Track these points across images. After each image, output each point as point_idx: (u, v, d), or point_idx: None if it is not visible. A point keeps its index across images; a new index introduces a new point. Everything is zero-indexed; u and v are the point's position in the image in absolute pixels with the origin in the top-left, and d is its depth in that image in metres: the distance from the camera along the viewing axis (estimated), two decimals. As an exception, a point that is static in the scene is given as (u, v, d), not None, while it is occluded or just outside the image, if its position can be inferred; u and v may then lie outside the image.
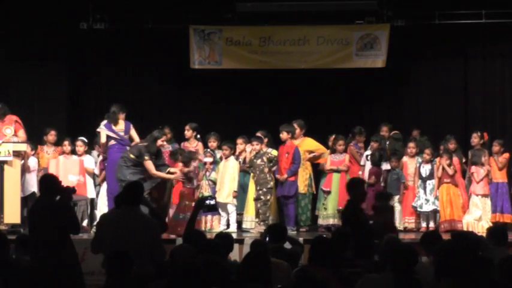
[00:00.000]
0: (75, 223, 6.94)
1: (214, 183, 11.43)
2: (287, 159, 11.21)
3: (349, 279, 5.86)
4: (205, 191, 11.35)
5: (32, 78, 13.71)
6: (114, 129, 11.17)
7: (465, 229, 10.90)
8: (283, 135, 11.32)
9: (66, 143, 11.43)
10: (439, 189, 11.36)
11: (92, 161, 11.57)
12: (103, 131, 11.19)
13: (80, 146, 11.45)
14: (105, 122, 11.24)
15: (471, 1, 12.86)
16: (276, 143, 11.77)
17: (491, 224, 10.86)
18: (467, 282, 5.35)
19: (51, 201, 6.88)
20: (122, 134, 11.19)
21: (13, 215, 10.43)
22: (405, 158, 11.72)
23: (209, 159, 11.50)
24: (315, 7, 12.98)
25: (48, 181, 7.04)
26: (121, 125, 11.24)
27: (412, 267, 5.40)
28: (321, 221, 11.62)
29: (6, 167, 10.50)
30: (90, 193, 11.40)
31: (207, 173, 11.49)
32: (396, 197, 11.47)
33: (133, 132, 11.33)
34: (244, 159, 11.54)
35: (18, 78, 13.66)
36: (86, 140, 11.60)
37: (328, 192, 11.56)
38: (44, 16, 13.20)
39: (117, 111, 11.24)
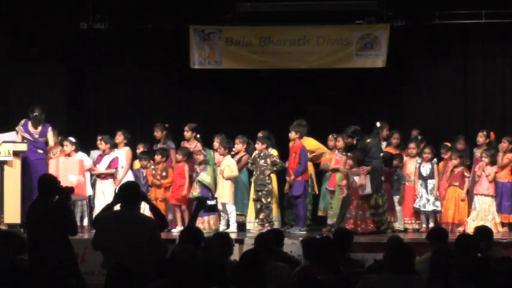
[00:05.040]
0: (73, 224, 6.92)
1: (203, 184, 11.40)
2: (294, 159, 11.24)
3: (349, 279, 5.86)
4: (195, 192, 11.33)
5: (32, 78, 13.69)
6: (29, 130, 11.14)
7: (467, 230, 10.90)
8: (292, 134, 11.34)
9: (66, 143, 11.45)
10: (447, 191, 11.33)
11: (88, 159, 11.57)
12: (20, 131, 11.16)
13: (66, 146, 11.43)
14: (23, 121, 11.21)
15: (471, 1, 12.85)
16: (278, 143, 11.79)
17: (498, 224, 10.87)
18: (463, 283, 5.37)
19: (50, 201, 6.87)
20: (37, 136, 11.13)
21: (13, 215, 10.44)
22: (405, 158, 11.71)
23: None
24: (315, 7, 12.98)
25: (47, 181, 7.02)
26: (39, 128, 11.24)
27: (410, 267, 5.40)
28: (329, 221, 11.57)
29: (6, 167, 10.50)
30: (88, 191, 11.41)
31: (196, 174, 11.48)
32: (396, 198, 11.47)
33: (49, 135, 11.28)
34: (240, 158, 11.53)
35: (18, 78, 13.64)
36: (74, 140, 11.55)
37: (333, 192, 11.53)
38: (44, 16, 13.19)
39: (40, 114, 11.25)
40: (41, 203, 6.92)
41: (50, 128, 11.33)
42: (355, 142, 11.06)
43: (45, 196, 6.91)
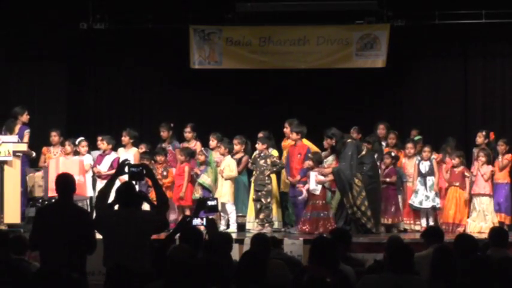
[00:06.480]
0: (93, 244, 6.62)
1: (204, 187, 11.37)
2: (299, 160, 11.26)
3: (349, 279, 5.85)
4: (197, 193, 11.32)
5: (32, 79, 13.70)
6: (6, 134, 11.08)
7: (467, 230, 10.90)
8: (293, 135, 11.35)
9: (66, 143, 11.46)
10: (448, 191, 11.34)
11: (90, 160, 11.58)
12: None
13: (83, 147, 11.46)
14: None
15: (471, 1, 12.86)
16: (278, 143, 11.79)
17: (496, 224, 10.86)
18: (464, 283, 5.37)
19: (69, 203, 6.71)
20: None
21: (13, 215, 10.42)
22: (404, 159, 11.71)
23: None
24: (315, 7, 12.98)
25: (65, 181, 6.73)
26: (15, 131, 11.16)
27: (410, 267, 5.40)
28: None
29: (6, 167, 10.48)
30: (89, 192, 11.40)
31: (196, 175, 11.47)
32: (399, 196, 11.49)
33: (25, 139, 11.13)
34: (240, 159, 11.52)
35: (18, 78, 13.65)
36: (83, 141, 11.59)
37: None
38: (44, 16, 13.19)
39: (20, 113, 11.22)
40: (60, 205, 6.71)
41: (26, 131, 11.20)
42: (334, 143, 11.09)
43: (64, 197, 6.69)
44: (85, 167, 11.35)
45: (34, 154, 11.43)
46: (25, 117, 11.40)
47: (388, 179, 11.32)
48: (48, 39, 13.41)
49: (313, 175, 10.94)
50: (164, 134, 12.05)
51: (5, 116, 11.54)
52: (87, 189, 11.33)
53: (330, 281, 5.09)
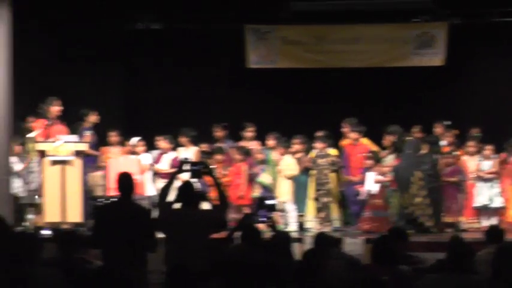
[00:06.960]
0: (155, 241, 6.71)
1: (263, 185, 11.40)
2: (360, 159, 11.32)
3: (409, 277, 5.82)
4: (256, 192, 11.37)
5: (89, 80, 13.85)
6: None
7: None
8: (354, 135, 11.38)
9: (126, 143, 11.65)
10: (509, 190, 11.20)
11: (150, 159, 11.73)
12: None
13: (140, 146, 11.64)
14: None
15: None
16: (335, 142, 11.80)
17: None
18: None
19: (130, 202, 6.79)
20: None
21: (75, 214, 10.60)
22: (465, 157, 11.59)
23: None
24: (369, 6, 12.92)
25: (126, 180, 6.86)
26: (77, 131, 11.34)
27: (470, 266, 5.35)
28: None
29: (67, 166, 10.65)
30: (149, 191, 11.55)
31: (254, 173, 11.51)
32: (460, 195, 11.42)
33: (85, 139, 11.31)
34: (300, 159, 11.53)
35: (75, 80, 13.80)
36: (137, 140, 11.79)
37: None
38: (100, 16, 13.32)
39: (86, 114, 11.50)
40: (121, 204, 6.81)
41: (86, 132, 11.37)
42: (395, 139, 11.07)
43: (126, 196, 6.80)
44: (144, 166, 11.52)
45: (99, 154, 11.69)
46: (93, 118, 11.61)
47: (453, 179, 11.24)
48: (105, 39, 13.55)
49: (371, 175, 10.94)
50: (218, 133, 12.13)
51: (65, 118, 11.71)
52: (147, 188, 11.49)
53: (387, 280, 5.09)
